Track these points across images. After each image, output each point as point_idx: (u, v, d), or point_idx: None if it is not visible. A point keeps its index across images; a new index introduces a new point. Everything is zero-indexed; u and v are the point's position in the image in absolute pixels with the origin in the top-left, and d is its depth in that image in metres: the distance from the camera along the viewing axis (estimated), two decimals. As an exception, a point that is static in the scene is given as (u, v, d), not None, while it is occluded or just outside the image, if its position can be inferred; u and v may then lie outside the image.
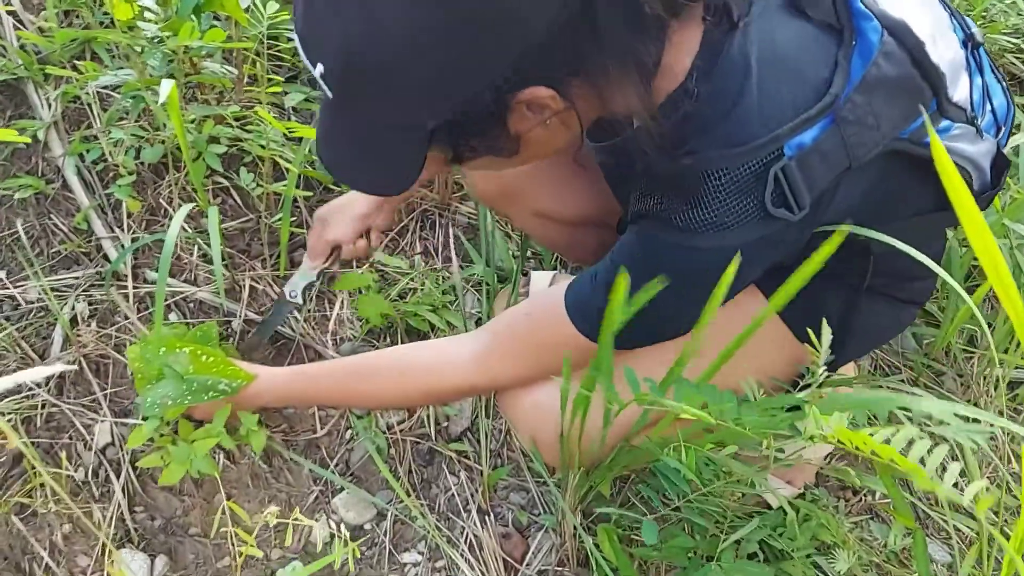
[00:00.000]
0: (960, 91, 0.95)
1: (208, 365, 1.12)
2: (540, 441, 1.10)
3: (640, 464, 1.07)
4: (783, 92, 0.83)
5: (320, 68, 0.76)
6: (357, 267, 1.53)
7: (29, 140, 1.41)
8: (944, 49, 0.93)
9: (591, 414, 0.99)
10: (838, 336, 1.06)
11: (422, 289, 1.52)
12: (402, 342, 1.46)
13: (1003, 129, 1.04)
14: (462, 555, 1.26)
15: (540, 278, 1.51)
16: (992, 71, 1.08)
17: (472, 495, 1.33)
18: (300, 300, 1.37)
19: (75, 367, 1.33)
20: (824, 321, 0.97)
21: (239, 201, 1.56)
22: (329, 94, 0.78)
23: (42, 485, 1.22)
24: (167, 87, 1.12)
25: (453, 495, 1.33)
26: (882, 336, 1.16)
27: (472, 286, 1.57)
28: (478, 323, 1.52)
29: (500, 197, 1.33)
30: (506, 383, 1.09)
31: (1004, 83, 1.09)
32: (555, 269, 1.59)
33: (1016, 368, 1.47)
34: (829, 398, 0.85)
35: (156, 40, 1.29)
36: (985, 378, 1.49)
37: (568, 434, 1.02)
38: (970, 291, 1.58)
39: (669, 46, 0.83)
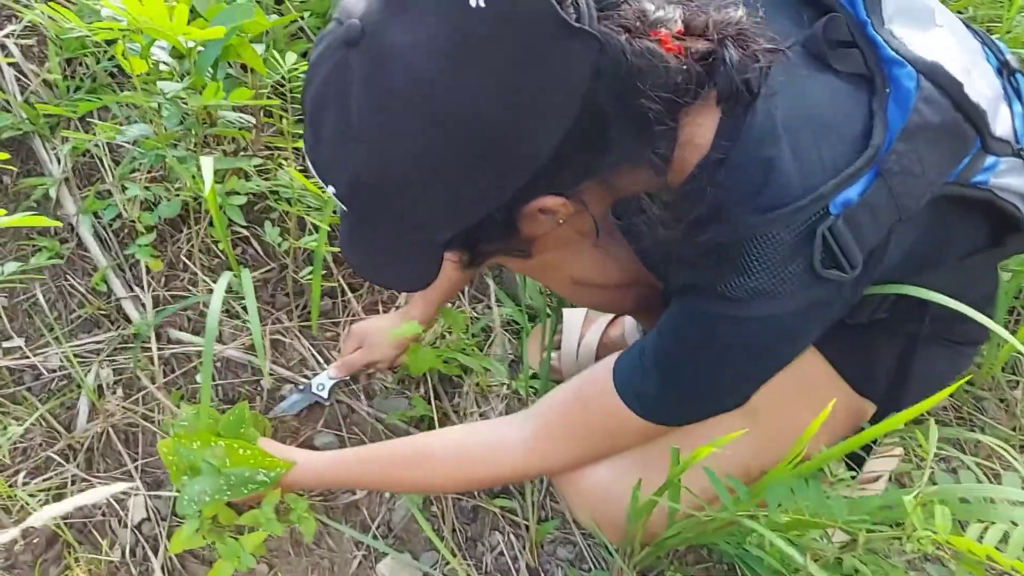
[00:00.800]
0: (1002, 124, 0.92)
1: (245, 458, 1.08)
2: (601, 522, 1.07)
3: (712, 540, 1.04)
4: (821, 151, 0.80)
5: (332, 189, 0.76)
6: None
7: (60, 224, 1.37)
8: (980, 83, 0.90)
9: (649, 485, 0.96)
10: (896, 385, 1.03)
11: (451, 334, 1.48)
12: (435, 390, 1.42)
13: None
14: (514, 617, 1.23)
15: (572, 316, 1.48)
16: None
17: (520, 552, 1.30)
18: (326, 396, 1.35)
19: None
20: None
21: (259, 250, 1.51)
22: (344, 208, 0.78)
23: (78, 565, 1.18)
24: (208, 171, 1.07)
25: (500, 553, 1.30)
26: (941, 381, 1.13)
27: (502, 326, 1.53)
28: (511, 364, 1.48)
29: (538, 268, 1.28)
30: (562, 467, 1.07)
31: None
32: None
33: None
34: (934, 494, 0.81)
35: (177, 98, 1.23)
36: (1029, 405, 1.46)
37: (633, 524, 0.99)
38: (1014, 313, 1.56)
39: (688, 124, 0.80)
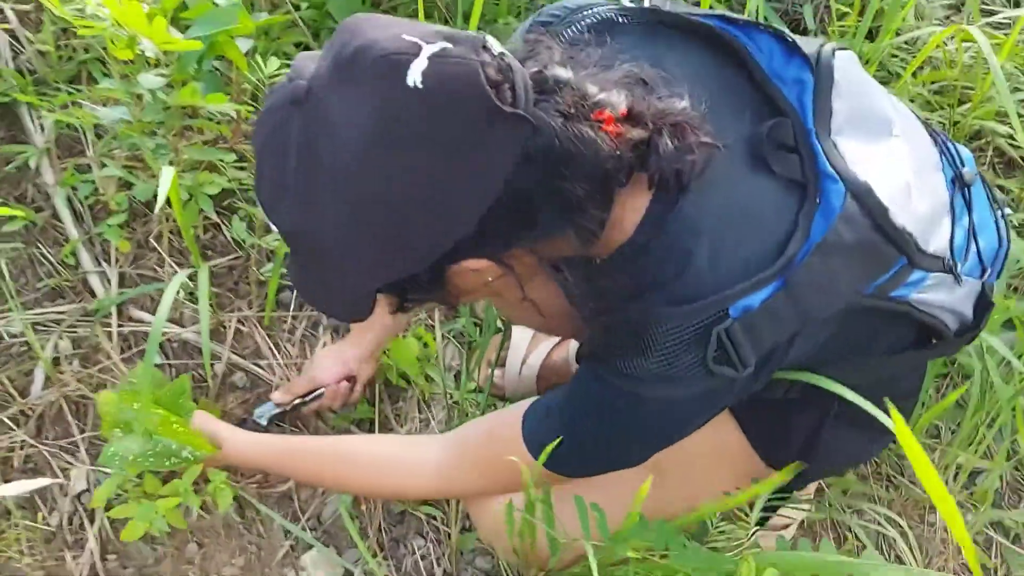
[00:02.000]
0: (938, 240, 0.95)
1: (176, 432, 1.14)
2: (499, 549, 1.14)
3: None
4: (738, 252, 0.84)
5: (272, 225, 0.82)
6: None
7: (34, 220, 1.45)
8: (921, 201, 0.93)
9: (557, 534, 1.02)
10: (802, 459, 1.09)
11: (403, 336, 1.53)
12: (380, 396, 1.48)
13: (989, 270, 1.05)
14: (425, 620, 1.30)
15: (519, 335, 1.53)
16: (989, 203, 1.09)
17: (439, 559, 1.36)
18: (264, 423, 1.37)
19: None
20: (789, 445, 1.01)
21: (229, 238, 1.56)
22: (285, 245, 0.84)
23: (15, 531, 1.24)
24: (167, 179, 1.12)
25: (422, 556, 1.36)
26: (850, 461, 1.19)
27: (454, 337, 1.59)
28: (456, 377, 1.54)
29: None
30: (469, 494, 1.15)
31: (1000, 215, 1.09)
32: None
33: (974, 466, 1.51)
34: (763, 556, 0.87)
35: (158, 91, 1.28)
36: (947, 468, 1.52)
37: (522, 551, 1.06)
38: (942, 379, 1.62)
39: (619, 204, 0.84)
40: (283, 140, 0.76)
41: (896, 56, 1.84)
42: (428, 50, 0.72)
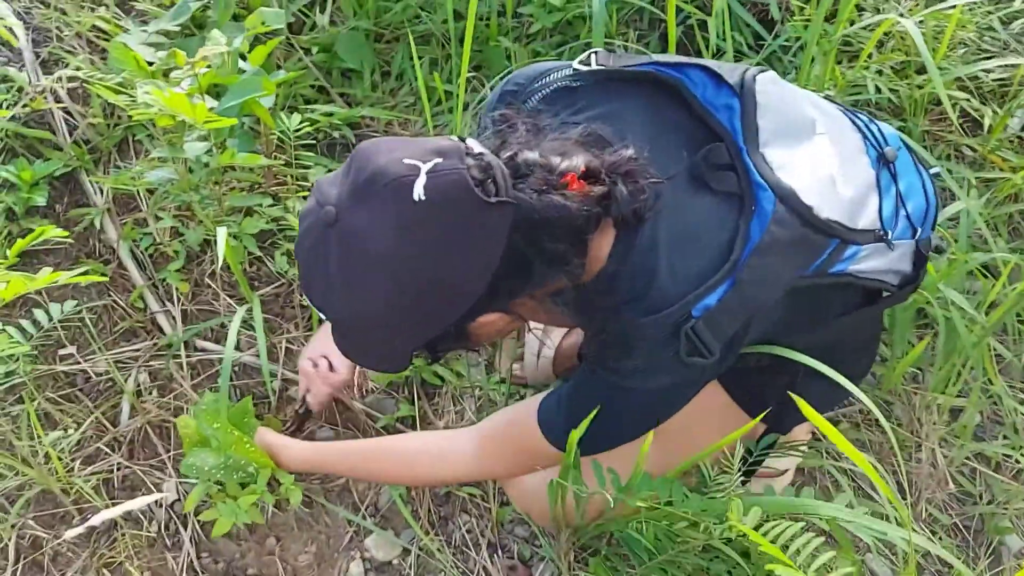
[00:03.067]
0: (867, 215, 1.11)
1: (246, 450, 1.36)
2: (533, 515, 1.34)
3: (616, 528, 1.30)
4: (690, 264, 1.02)
5: (321, 315, 1.03)
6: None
7: (104, 272, 1.69)
8: (847, 187, 1.09)
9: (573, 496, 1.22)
10: (781, 410, 1.27)
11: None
12: (417, 395, 1.68)
13: (920, 229, 1.21)
14: (476, 585, 1.50)
15: (534, 327, 1.72)
16: (916, 169, 1.24)
17: (483, 531, 1.57)
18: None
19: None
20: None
21: (271, 269, 1.77)
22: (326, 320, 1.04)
23: (124, 539, 1.47)
24: (222, 239, 1.32)
25: (468, 530, 1.57)
26: (826, 405, 1.36)
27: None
28: (483, 370, 1.73)
29: None
30: (499, 476, 1.37)
31: (927, 176, 1.25)
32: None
33: (954, 402, 1.67)
34: (749, 500, 1.06)
35: (202, 156, 1.48)
36: (927, 408, 1.69)
37: (555, 513, 1.26)
38: (923, 329, 1.78)
39: (593, 243, 1.03)
40: (324, 252, 0.96)
41: (855, 37, 1.98)
42: (424, 168, 0.93)
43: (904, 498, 1.60)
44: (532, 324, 1.71)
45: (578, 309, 1.08)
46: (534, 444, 1.21)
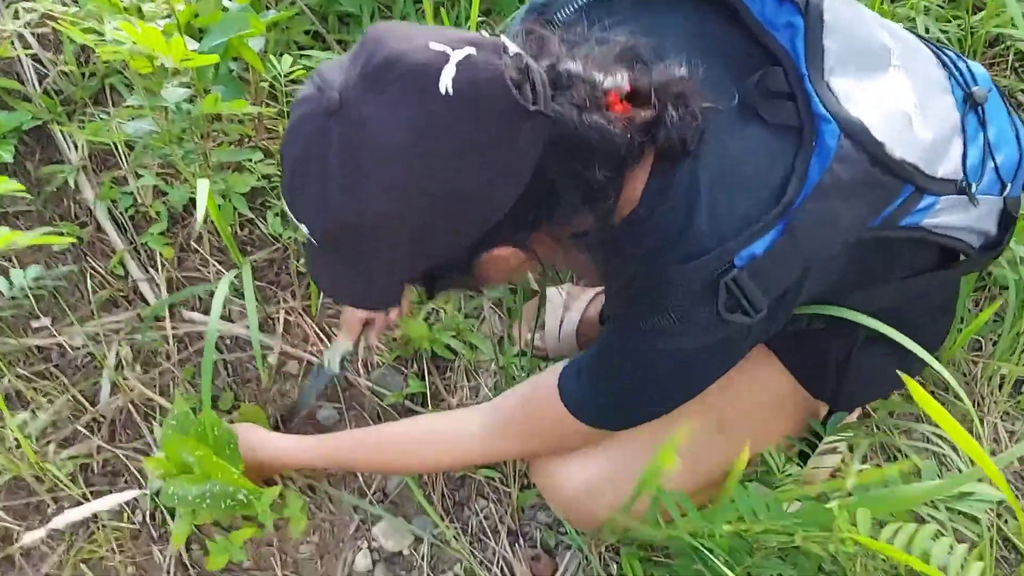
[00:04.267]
0: (948, 164, 0.96)
1: (233, 479, 1.20)
2: (571, 516, 1.20)
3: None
4: (735, 205, 0.87)
5: (305, 228, 0.85)
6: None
7: (80, 236, 1.52)
8: (925, 129, 0.93)
9: (623, 491, 1.08)
10: (839, 385, 1.12)
11: (445, 312, 1.58)
12: (428, 369, 1.53)
13: (1009, 185, 1.05)
14: (495, 577, 1.36)
15: (554, 297, 1.57)
16: (1009, 116, 1.08)
17: (502, 517, 1.42)
18: (337, 370, 1.43)
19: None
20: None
21: (264, 232, 1.61)
22: (313, 242, 0.86)
23: (104, 532, 1.32)
24: (203, 191, 1.16)
25: (485, 517, 1.42)
26: (889, 385, 1.22)
27: (495, 305, 1.63)
28: (500, 342, 1.58)
29: None
30: (516, 457, 1.24)
31: (1021, 125, 1.09)
32: (569, 282, 1.64)
33: (1018, 375, 1.52)
34: (857, 501, 0.90)
35: (183, 103, 1.32)
36: (990, 379, 1.54)
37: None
38: (981, 293, 1.63)
39: (627, 179, 0.88)
40: (322, 146, 0.78)
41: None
42: (455, 57, 0.76)
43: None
44: (552, 294, 1.56)
45: (603, 256, 0.92)
46: (557, 420, 1.06)
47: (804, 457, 1.19)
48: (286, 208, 0.87)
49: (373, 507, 1.40)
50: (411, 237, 0.83)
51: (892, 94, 0.93)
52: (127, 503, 1.36)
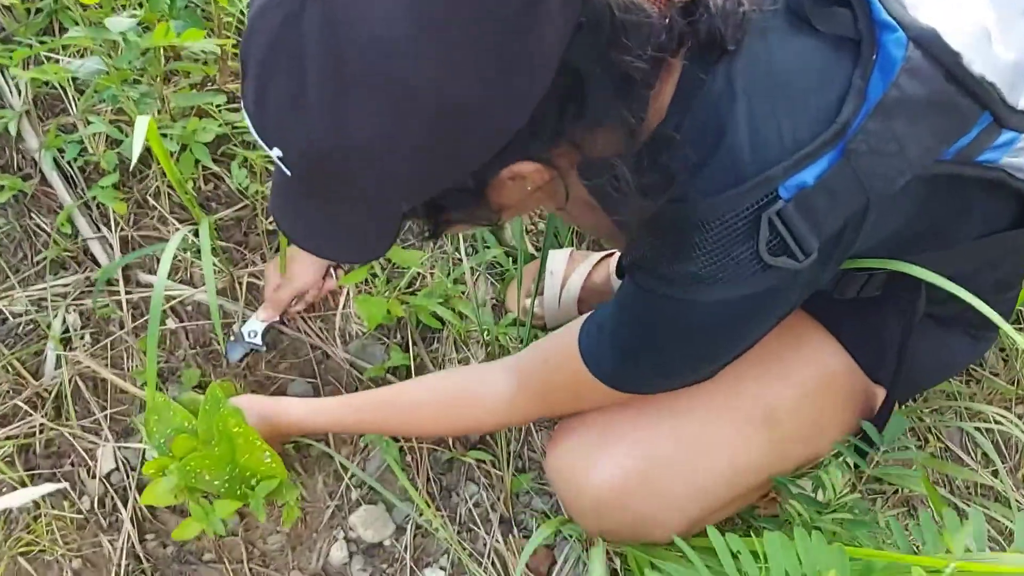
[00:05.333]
0: None
1: (261, 463, 1.09)
2: (598, 532, 1.07)
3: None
4: (780, 124, 0.72)
5: (277, 152, 0.67)
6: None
7: (23, 189, 1.36)
8: (1006, 49, 0.79)
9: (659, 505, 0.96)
10: (898, 370, 0.97)
11: (431, 277, 1.43)
12: (412, 338, 1.38)
13: None
14: (486, 571, 1.22)
15: (555, 260, 1.42)
16: None
17: (494, 504, 1.28)
18: (260, 342, 1.29)
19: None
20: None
21: (232, 187, 1.45)
22: (287, 172, 0.69)
23: (48, 520, 1.18)
24: (142, 128, 1.00)
25: (475, 504, 1.28)
26: (952, 367, 1.08)
27: (486, 270, 1.48)
28: (493, 310, 1.43)
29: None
30: (538, 418, 1.12)
31: None
32: (571, 246, 1.50)
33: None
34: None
35: (131, 35, 1.15)
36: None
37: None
38: None
39: (657, 83, 0.73)
40: (294, 40, 0.61)
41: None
42: None
43: (1004, 461, 1.33)
44: (553, 258, 1.41)
45: (623, 191, 0.76)
46: (580, 381, 0.93)
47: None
48: (250, 129, 0.69)
49: (351, 493, 1.26)
50: (412, 158, 0.66)
51: (966, 8, 0.78)
52: (73, 487, 1.21)
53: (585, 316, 0.95)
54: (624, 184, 0.74)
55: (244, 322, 1.31)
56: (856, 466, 0.97)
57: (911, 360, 0.94)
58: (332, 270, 1.33)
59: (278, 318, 1.31)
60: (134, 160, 0.97)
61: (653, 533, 1.02)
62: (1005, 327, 0.84)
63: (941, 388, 1.38)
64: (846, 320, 0.98)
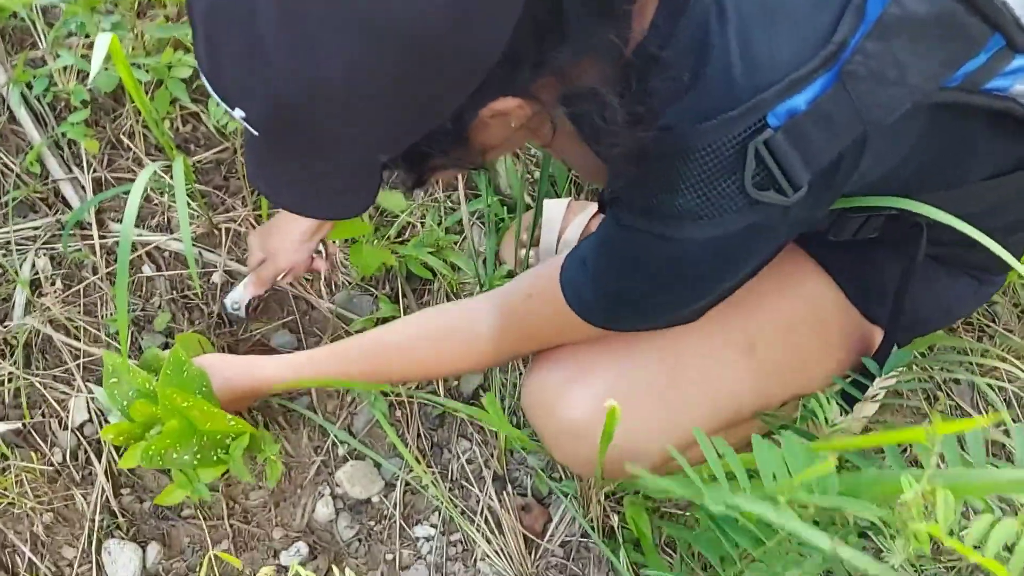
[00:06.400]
0: None
1: (225, 424, 1.01)
2: (570, 460, 1.00)
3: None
4: (771, 44, 0.66)
5: (240, 113, 0.62)
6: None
7: None
8: None
9: (636, 436, 0.88)
10: (898, 308, 0.92)
11: (422, 226, 1.36)
12: (402, 289, 1.31)
13: None
14: (478, 529, 1.17)
15: (552, 210, 1.36)
16: None
17: (487, 460, 1.23)
18: (244, 315, 1.23)
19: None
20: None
21: (212, 128, 1.37)
22: (254, 133, 0.63)
23: (17, 472, 1.11)
24: (102, 47, 0.92)
25: (468, 461, 1.23)
26: (955, 311, 1.02)
27: (478, 219, 1.41)
28: (486, 262, 1.37)
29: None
30: (524, 355, 1.05)
31: None
32: (569, 195, 1.43)
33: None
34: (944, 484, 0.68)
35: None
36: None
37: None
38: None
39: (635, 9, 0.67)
40: None
41: None
42: None
43: (1016, 420, 1.28)
44: (549, 206, 1.34)
45: (603, 120, 0.70)
46: (562, 318, 0.88)
47: (848, 400, 0.99)
48: (210, 91, 0.64)
49: (337, 448, 1.20)
50: (385, 100, 0.61)
51: None
52: (44, 439, 1.15)
53: (567, 251, 0.90)
54: (611, 113, 0.68)
55: (228, 292, 1.25)
56: (852, 404, 0.92)
57: (915, 301, 0.89)
58: (323, 247, 1.26)
59: (263, 292, 1.25)
60: (92, 75, 0.89)
61: (639, 462, 0.96)
62: (1016, 265, 0.79)
63: (952, 344, 1.33)
64: (841, 258, 0.94)
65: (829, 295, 0.94)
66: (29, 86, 1.30)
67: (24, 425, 1.15)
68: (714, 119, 0.66)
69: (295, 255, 1.20)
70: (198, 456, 1.03)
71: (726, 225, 0.71)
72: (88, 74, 1.30)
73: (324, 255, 1.27)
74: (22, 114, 1.30)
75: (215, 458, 1.03)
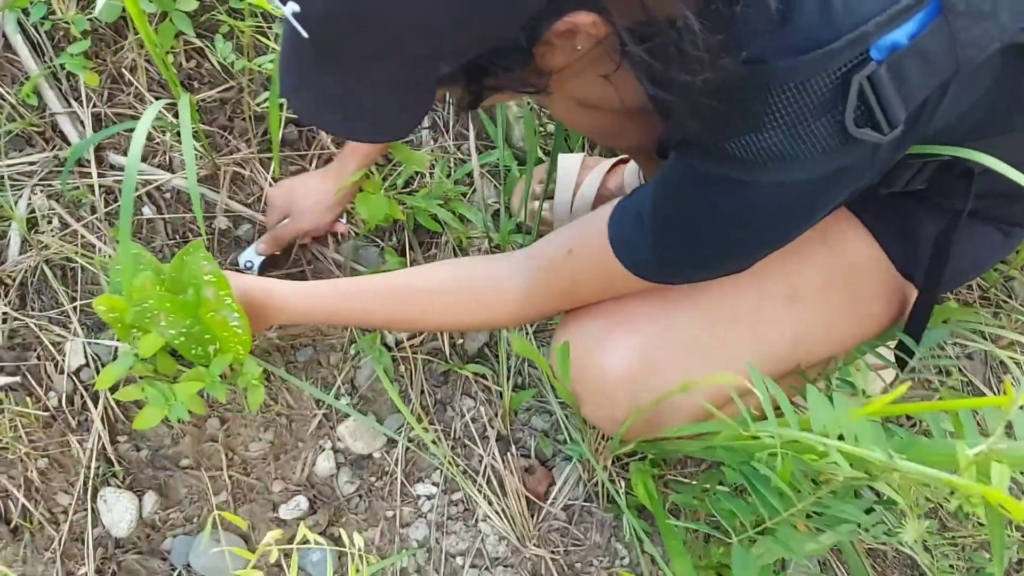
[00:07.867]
0: None
1: (213, 321, 0.93)
2: (602, 420, 0.97)
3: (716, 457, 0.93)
4: None
5: (293, 7, 0.57)
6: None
7: None
8: None
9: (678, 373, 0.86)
10: (935, 268, 0.90)
11: (431, 176, 1.32)
12: (409, 241, 1.28)
13: None
14: (480, 489, 1.15)
15: (567, 163, 1.31)
16: None
17: (491, 420, 1.21)
18: (256, 274, 1.19)
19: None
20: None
21: (217, 65, 1.32)
22: (304, 34, 0.59)
23: (11, 416, 1.09)
24: None
25: (472, 419, 1.21)
26: (983, 264, 1.00)
27: (488, 171, 1.37)
28: (495, 215, 1.33)
29: None
30: (559, 312, 0.99)
31: None
32: (583, 151, 1.39)
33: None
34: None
35: None
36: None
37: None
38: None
39: None
40: None
41: None
42: None
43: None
44: (565, 159, 1.30)
45: (678, 56, 0.64)
46: (608, 273, 0.85)
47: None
48: None
49: (339, 402, 1.18)
50: (451, 9, 0.57)
51: None
52: (39, 382, 1.12)
53: (612, 204, 0.86)
54: (691, 40, 0.63)
55: (242, 251, 1.21)
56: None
57: (953, 257, 0.87)
58: (345, 213, 1.23)
59: (278, 252, 1.21)
60: (98, 6, 0.83)
61: (671, 419, 0.93)
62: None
63: (966, 318, 1.30)
64: (880, 212, 0.91)
65: (866, 250, 0.92)
66: (26, 12, 1.24)
67: (19, 368, 1.12)
68: (814, 52, 0.62)
69: (320, 218, 1.16)
70: (182, 337, 0.96)
71: (816, 167, 0.67)
72: (88, 2, 1.24)
73: (344, 219, 1.24)
74: (18, 42, 1.24)
75: (193, 351, 0.97)
